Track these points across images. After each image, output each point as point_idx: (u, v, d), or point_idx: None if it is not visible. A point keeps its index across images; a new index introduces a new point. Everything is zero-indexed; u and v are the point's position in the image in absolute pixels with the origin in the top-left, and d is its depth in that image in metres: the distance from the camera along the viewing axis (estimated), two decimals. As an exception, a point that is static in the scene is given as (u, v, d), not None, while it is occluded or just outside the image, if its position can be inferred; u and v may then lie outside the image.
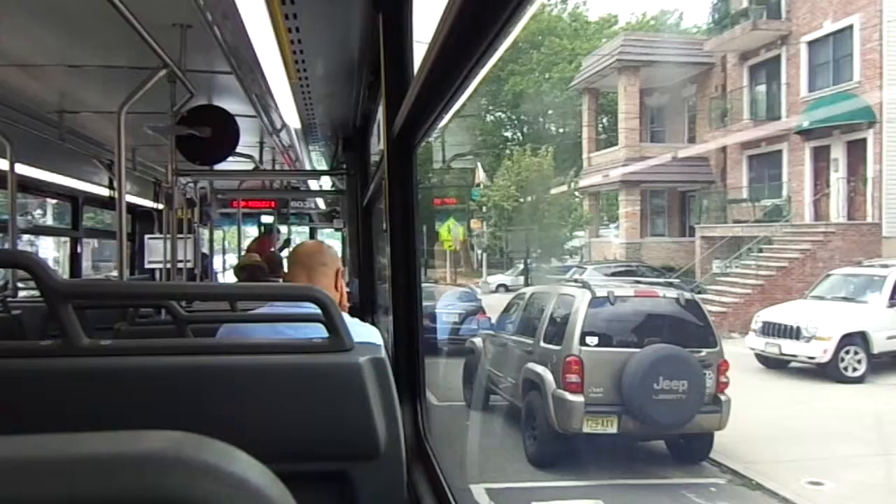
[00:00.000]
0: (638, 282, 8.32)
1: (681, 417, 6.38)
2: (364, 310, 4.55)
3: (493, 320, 9.70)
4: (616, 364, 6.53)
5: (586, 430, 6.46)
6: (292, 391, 1.20)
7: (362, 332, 1.71)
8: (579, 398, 6.51)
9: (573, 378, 6.52)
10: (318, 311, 1.23)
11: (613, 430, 6.46)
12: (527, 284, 19.44)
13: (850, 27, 15.66)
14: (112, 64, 3.28)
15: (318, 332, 1.27)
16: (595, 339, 6.66)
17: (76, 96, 4.07)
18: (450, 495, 1.62)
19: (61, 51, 3.21)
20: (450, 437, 7.62)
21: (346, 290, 2.16)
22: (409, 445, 1.49)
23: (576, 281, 8.02)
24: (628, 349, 6.63)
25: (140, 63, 2.89)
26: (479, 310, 12.53)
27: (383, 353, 1.28)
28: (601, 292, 6.96)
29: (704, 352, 6.66)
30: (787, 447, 7.15)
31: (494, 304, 11.98)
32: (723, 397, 6.65)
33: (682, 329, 6.87)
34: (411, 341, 2.03)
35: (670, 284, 7.76)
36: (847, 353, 10.01)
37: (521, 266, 22.15)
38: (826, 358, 9.97)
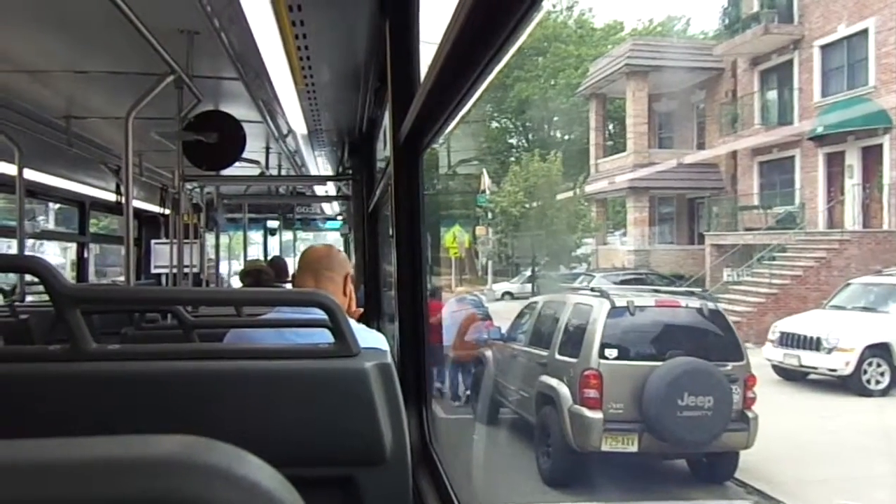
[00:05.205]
0: (657, 291, 7.98)
1: (706, 435, 6.01)
2: (369, 316, 4.54)
3: (502, 329, 9.34)
4: (637, 378, 6.17)
5: (605, 448, 6.11)
6: (299, 396, 1.20)
7: (368, 337, 1.67)
8: (598, 414, 6.15)
9: (591, 393, 6.17)
10: (325, 316, 1.22)
11: (634, 448, 6.10)
12: (533, 292, 19.24)
13: (865, 31, 15.38)
14: (119, 70, 3.32)
15: (325, 337, 1.26)
16: (614, 352, 6.31)
17: (84, 102, 4.10)
18: (455, 501, 1.62)
19: (69, 57, 3.23)
20: (458, 452, 7.31)
21: (354, 295, 2.14)
22: (414, 451, 1.48)
23: (592, 289, 7.68)
24: (650, 362, 6.27)
25: (147, 69, 2.91)
26: (487, 318, 12.23)
27: (389, 359, 1.27)
28: (620, 302, 6.62)
29: (730, 365, 6.30)
30: (815, 465, 6.80)
31: (500, 312, 11.78)
32: (750, 414, 6.29)
33: (706, 341, 6.53)
34: (417, 347, 2.04)
35: (692, 293, 7.41)
36: (870, 365, 9.65)
37: (527, 273, 21.86)
38: (848, 370, 9.62)
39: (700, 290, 9.13)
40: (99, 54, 3.16)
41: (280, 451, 1.08)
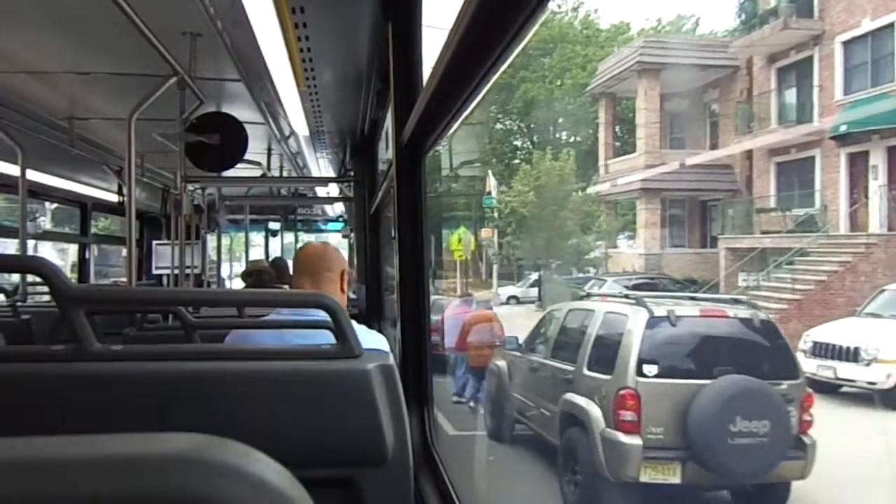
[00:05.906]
0: (694, 298, 7.25)
1: (761, 465, 5.24)
2: (371, 319, 4.54)
3: (519, 339, 8.60)
4: (680, 399, 5.41)
5: (644, 478, 5.36)
6: (301, 397, 1.20)
7: (371, 339, 1.64)
8: (636, 440, 5.41)
9: (628, 416, 5.43)
10: (327, 317, 1.23)
11: (676, 479, 5.34)
12: (540, 297, 18.79)
13: (892, 25, 14.74)
14: (122, 71, 3.34)
15: (327, 338, 1.26)
16: (654, 369, 5.55)
17: (86, 103, 4.13)
18: (457, 502, 1.64)
19: (72, 58, 3.25)
20: (471, 475, 6.63)
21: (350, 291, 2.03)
22: (416, 452, 1.46)
23: (627, 297, 6.96)
24: (695, 381, 5.52)
25: (150, 70, 2.94)
26: (497, 324, 11.59)
27: (392, 360, 1.27)
28: (659, 311, 5.87)
29: (786, 384, 5.54)
30: (877, 494, 6.08)
31: (507, 317, 11.29)
32: (807, 440, 5.53)
33: (757, 356, 5.78)
34: (419, 349, 2.06)
35: (737, 302, 6.66)
36: (913, 378, 8.98)
37: (533, 277, 21.30)
38: (890, 383, 8.94)
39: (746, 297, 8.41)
40: (102, 56, 3.18)
41: (281, 452, 1.06)
